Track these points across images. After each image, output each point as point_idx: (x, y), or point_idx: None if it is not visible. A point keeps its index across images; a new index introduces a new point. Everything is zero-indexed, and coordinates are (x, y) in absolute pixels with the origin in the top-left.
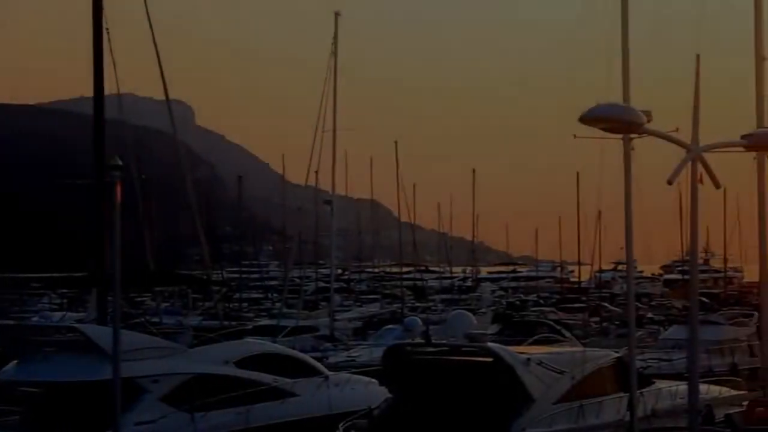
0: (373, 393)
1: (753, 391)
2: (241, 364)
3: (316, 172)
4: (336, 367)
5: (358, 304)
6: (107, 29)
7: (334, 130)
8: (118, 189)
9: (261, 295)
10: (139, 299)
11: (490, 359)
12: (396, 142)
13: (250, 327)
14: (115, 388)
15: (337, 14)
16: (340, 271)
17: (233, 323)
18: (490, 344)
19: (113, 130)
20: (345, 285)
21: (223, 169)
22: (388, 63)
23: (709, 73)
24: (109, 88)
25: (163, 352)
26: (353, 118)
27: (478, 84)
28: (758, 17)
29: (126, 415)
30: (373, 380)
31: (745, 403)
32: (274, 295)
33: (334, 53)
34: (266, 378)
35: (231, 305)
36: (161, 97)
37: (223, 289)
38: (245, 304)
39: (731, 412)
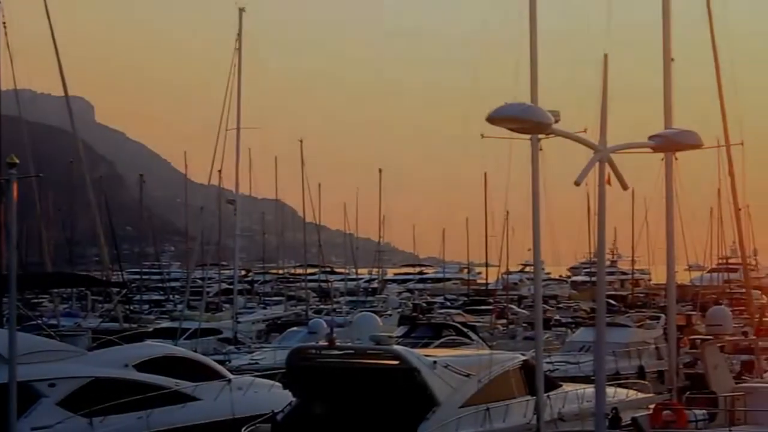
0: (277, 397)
1: (660, 394)
2: (142, 367)
3: (220, 171)
4: (239, 371)
5: (262, 306)
6: (4, 23)
7: (238, 129)
8: (15, 187)
9: (162, 297)
10: (36, 301)
11: (395, 362)
12: (301, 141)
13: (151, 329)
14: (11, 392)
15: (241, 10)
16: (243, 272)
17: (133, 326)
18: (395, 347)
19: (10, 126)
20: (248, 286)
21: (123, 167)
22: (294, 61)
23: (618, 74)
24: (5, 84)
25: (60, 355)
26: (258, 116)
27: (386, 83)
28: (666, 18)
29: (22, 420)
30: (277, 384)
31: (652, 406)
32: (176, 296)
33: (239, 49)
34: (167, 381)
35: (131, 307)
36: (60, 93)
37: (123, 290)
38: (146, 306)
39: (637, 415)
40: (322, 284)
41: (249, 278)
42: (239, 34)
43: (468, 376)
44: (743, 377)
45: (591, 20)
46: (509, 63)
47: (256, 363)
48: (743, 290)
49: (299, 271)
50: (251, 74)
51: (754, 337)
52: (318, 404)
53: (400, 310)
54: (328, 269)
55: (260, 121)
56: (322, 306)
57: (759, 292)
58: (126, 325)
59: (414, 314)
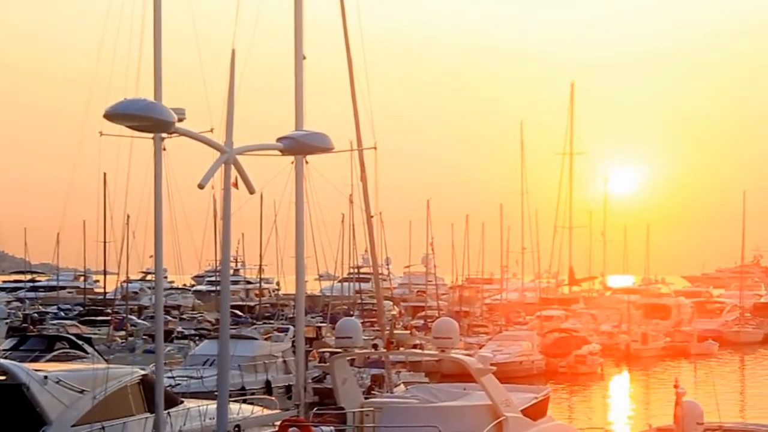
0: None
1: (286, 410)
2: None
3: None
4: None
5: None
6: None
7: None
8: None
9: None
10: None
11: (2, 377)
12: None
13: None
14: None
15: None
16: None
17: None
18: (2, 361)
19: None
20: None
21: None
22: None
23: (250, 72)
24: None
25: None
26: None
27: None
28: (298, 14)
29: None
30: None
31: (278, 423)
32: None
33: None
34: None
35: None
36: None
37: None
38: None
39: None
40: None
41: None
42: None
43: (82, 392)
44: (373, 392)
45: (220, 14)
46: (134, 56)
47: None
48: (374, 301)
49: None
50: None
51: (384, 350)
52: None
53: (8, 320)
54: None
55: None
56: None
57: (391, 303)
58: None
59: (24, 325)
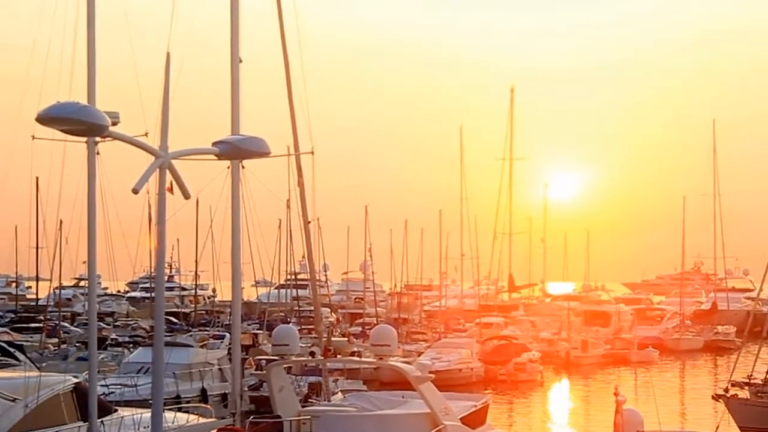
0: None
1: (222, 418)
2: None
3: None
4: None
5: None
6: None
7: None
8: None
9: None
10: None
11: None
12: None
13: None
14: None
15: None
16: None
17: None
18: None
19: None
20: None
21: None
22: None
23: (187, 75)
24: None
25: None
26: None
27: None
28: (234, 17)
29: None
30: None
31: (214, 431)
32: None
33: None
34: None
35: None
36: None
37: None
38: None
39: None
40: None
41: None
42: None
43: (14, 400)
44: (310, 400)
45: (155, 16)
46: (67, 58)
47: None
48: (312, 308)
49: None
50: None
51: (321, 358)
52: None
53: None
54: None
55: None
56: None
57: (328, 310)
58: None
59: None
